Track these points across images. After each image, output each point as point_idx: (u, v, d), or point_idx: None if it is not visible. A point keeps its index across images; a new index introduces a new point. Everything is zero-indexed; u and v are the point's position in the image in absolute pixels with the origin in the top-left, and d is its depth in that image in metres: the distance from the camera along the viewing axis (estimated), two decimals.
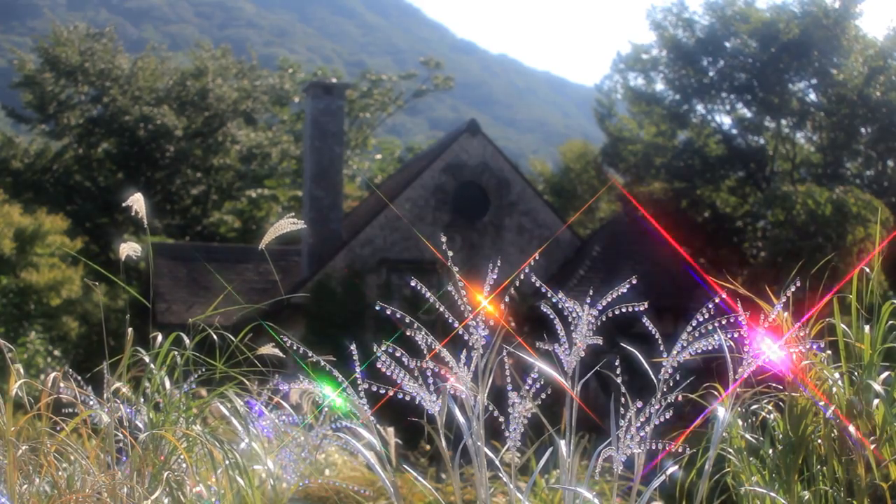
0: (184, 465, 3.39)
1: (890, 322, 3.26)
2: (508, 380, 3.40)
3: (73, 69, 33.44)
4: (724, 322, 3.31)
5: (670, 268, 20.35)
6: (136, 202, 3.41)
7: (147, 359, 3.52)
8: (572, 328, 3.41)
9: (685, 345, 3.29)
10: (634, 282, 3.33)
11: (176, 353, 3.58)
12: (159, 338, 3.58)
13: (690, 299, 18.37)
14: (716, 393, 3.38)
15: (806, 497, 3.19)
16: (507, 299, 3.39)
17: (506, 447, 3.60)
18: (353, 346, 3.48)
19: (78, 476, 3.34)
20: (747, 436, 3.37)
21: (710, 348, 3.25)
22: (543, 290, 3.48)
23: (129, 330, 3.46)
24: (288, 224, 3.59)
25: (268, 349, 3.82)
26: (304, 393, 3.96)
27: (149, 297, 21.86)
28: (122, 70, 33.91)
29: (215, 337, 3.64)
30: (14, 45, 43.27)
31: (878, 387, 3.13)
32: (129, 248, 3.49)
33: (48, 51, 33.85)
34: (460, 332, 3.33)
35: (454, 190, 21.33)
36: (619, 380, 3.42)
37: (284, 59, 39.78)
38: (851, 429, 3.11)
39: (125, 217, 30.64)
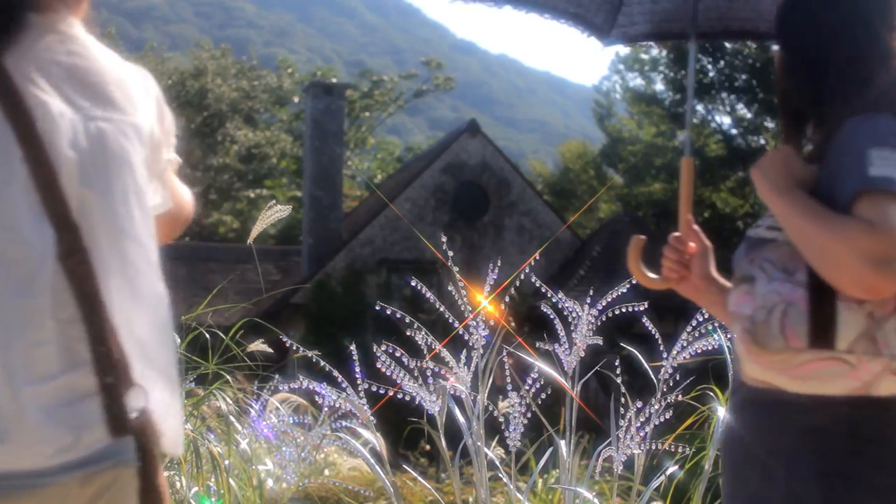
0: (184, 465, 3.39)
1: None
2: (508, 380, 3.40)
3: None
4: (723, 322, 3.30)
5: None
6: None
7: None
8: (572, 328, 3.41)
9: (685, 345, 3.29)
10: (634, 282, 3.33)
11: None
12: None
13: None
14: (712, 394, 3.38)
15: None
16: (507, 299, 3.39)
17: (499, 447, 3.60)
18: (353, 347, 3.49)
19: None
20: None
21: (710, 348, 3.26)
22: (543, 290, 3.48)
23: None
24: (275, 213, 3.59)
25: (257, 346, 3.82)
26: (284, 401, 3.97)
27: None
28: None
29: (207, 336, 3.64)
30: None
31: None
32: None
33: None
34: (460, 332, 3.33)
35: (454, 190, 21.33)
36: (619, 380, 3.42)
37: (284, 59, 39.78)
38: None
39: None
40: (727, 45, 30.36)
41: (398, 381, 3.28)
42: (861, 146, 1.57)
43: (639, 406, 3.31)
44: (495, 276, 3.34)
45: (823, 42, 1.78)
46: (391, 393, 3.30)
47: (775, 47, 1.91)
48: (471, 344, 3.32)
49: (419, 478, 3.94)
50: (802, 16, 1.82)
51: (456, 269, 3.36)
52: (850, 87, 1.72)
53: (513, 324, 3.45)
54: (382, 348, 3.31)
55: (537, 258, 3.83)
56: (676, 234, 2.10)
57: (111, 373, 1.32)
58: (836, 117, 1.69)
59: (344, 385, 3.52)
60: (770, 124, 30.99)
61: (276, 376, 4.07)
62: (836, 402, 1.59)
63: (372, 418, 3.42)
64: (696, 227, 2.09)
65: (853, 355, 1.53)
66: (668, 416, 3.32)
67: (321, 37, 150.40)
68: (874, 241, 1.46)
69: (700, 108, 31.87)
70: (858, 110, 1.65)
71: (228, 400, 3.58)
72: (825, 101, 1.75)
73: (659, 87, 32.59)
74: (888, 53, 1.73)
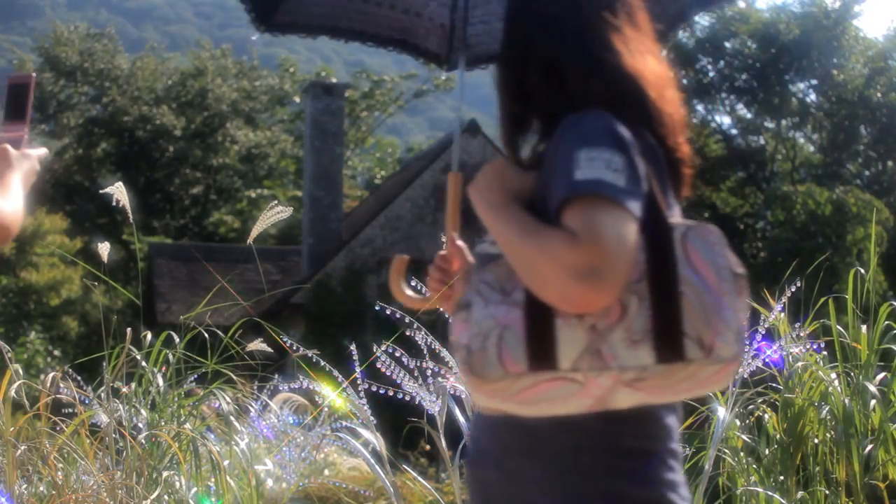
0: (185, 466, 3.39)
1: (886, 322, 3.26)
2: None
3: (73, 69, 33.42)
4: None
5: None
6: (118, 191, 3.42)
7: (139, 357, 3.52)
8: None
9: None
10: None
11: (168, 352, 3.57)
12: (149, 336, 3.58)
13: None
14: (711, 394, 3.38)
15: (800, 496, 3.18)
16: None
17: None
18: (353, 346, 3.49)
19: (76, 476, 3.33)
20: (744, 436, 3.37)
21: None
22: None
23: (128, 330, 3.46)
24: (276, 214, 3.60)
25: (256, 345, 3.82)
26: (286, 401, 3.98)
27: (149, 295, 21.85)
28: (121, 70, 33.89)
29: (206, 335, 3.64)
30: (14, 45, 43.25)
31: (873, 388, 3.12)
32: (105, 249, 3.54)
33: (48, 51, 33.84)
34: None
35: None
36: None
37: (286, 59, 39.75)
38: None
39: (124, 217, 30.57)
40: (727, 45, 30.37)
41: (398, 381, 3.28)
42: (570, 147, 1.45)
43: None
44: None
45: (529, 33, 1.63)
46: (391, 393, 3.30)
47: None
48: None
49: (419, 478, 3.94)
50: (514, 7, 1.68)
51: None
52: (553, 81, 1.59)
53: None
54: (382, 348, 3.30)
55: None
56: (442, 252, 1.97)
57: None
58: (548, 116, 1.58)
59: (344, 385, 3.52)
60: (770, 124, 30.99)
61: (276, 376, 4.07)
62: (588, 419, 1.48)
63: (372, 418, 3.42)
64: (461, 243, 1.97)
65: (579, 373, 1.41)
66: None
67: (321, 36, 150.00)
68: (577, 252, 1.34)
69: (700, 108, 31.86)
70: (566, 107, 1.54)
71: (228, 400, 3.59)
72: (532, 100, 1.62)
73: None
74: (602, 44, 1.57)
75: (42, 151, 1.79)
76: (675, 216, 1.56)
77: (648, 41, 1.63)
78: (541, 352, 1.41)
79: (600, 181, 1.39)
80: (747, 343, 3.26)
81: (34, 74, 1.85)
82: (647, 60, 1.60)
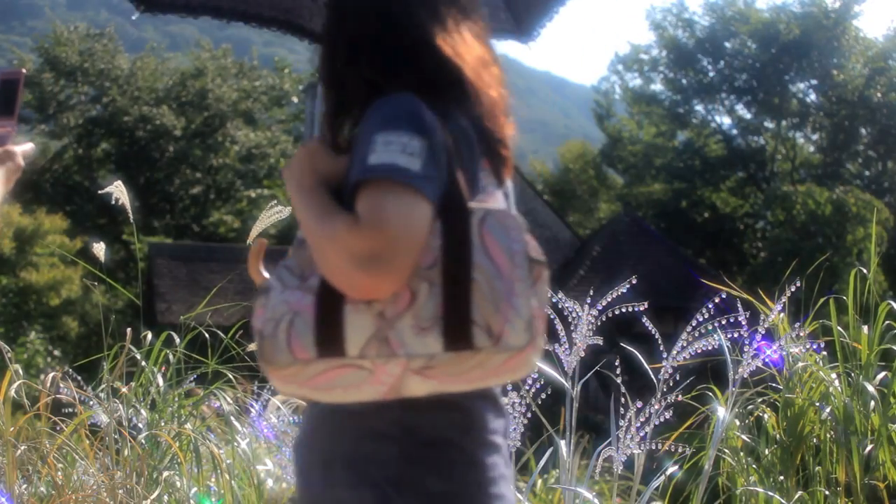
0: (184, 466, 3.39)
1: (887, 322, 3.26)
2: None
3: (73, 69, 33.41)
4: (723, 322, 3.31)
5: (670, 268, 20.34)
6: (118, 189, 3.43)
7: (139, 357, 3.52)
8: (572, 328, 3.41)
9: (685, 345, 3.29)
10: (634, 282, 3.33)
11: (168, 352, 3.57)
12: (149, 336, 3.58)
13: (690, 299, 18.34)
14: (711, 394, 3.38)
15: (799, 495, 3.18)
16: None
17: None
18: None
19: (76, 476, 3.33)
20: (744, 436, 3.37)
21: (709, 348, 3.25)
22: None
23: (128, 330, 3.46)
24: (275, 214, 3.61)
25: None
26: (285, 401, 3.97)
27: (148, 295, 21.85)
28: (121, 70, 33.88)
29: (206, 335, 3.64)
30: (14, 45, 43.26)
31: (872, 388, 3.12)
32: (99, 249, 3.55)
33: (48, 51, 33.82)
34: None
35: None
36: (619, 380, 3.42)
37: (280, 60, 39.77)
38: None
39: (124, 217, 30.53)
40: (727, 45, 30.37)
41: None
42: (370, 132, 1.43)
43: (639, 406, 3.31)
44: None
45: (342, 17, 1.61)
46: None
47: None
48: None
49: None
50: None
51: None
52: (363, 67, 1.57)
53: None
54: None
55: None
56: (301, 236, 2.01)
57: None
58: (357, 100, 1.56)
59: None
60: (770, 124, 30.99)
61: None
62: (389, 406, 1.46)
63: None
64: None
65: (367, 360, 1.39)
66: (668, 416, 3.32)
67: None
68: (358, 238, 1.32)
69: (700, 108, 31.86)
70: (375, 94, 1.51)
71: (229, 400, 3.59)
72: (346, 86, 1.60)
73: (658, 87, 32.57)
74: (414, 27, 1.56)
75: (28, 147, 1.79)
76: (493, 198, 1.55)
77: (470, 22, 1.61)
78: (328, 338, 1.39)
79: (392, 165, 1.36)
80: (747, 342, 3.27)
81: (25, 70, 1.85)
82: (467, 42, 1.58)
